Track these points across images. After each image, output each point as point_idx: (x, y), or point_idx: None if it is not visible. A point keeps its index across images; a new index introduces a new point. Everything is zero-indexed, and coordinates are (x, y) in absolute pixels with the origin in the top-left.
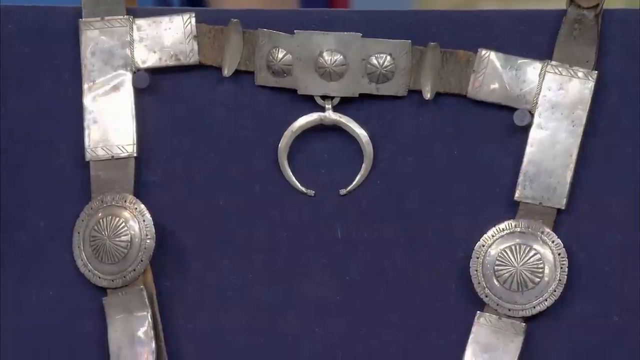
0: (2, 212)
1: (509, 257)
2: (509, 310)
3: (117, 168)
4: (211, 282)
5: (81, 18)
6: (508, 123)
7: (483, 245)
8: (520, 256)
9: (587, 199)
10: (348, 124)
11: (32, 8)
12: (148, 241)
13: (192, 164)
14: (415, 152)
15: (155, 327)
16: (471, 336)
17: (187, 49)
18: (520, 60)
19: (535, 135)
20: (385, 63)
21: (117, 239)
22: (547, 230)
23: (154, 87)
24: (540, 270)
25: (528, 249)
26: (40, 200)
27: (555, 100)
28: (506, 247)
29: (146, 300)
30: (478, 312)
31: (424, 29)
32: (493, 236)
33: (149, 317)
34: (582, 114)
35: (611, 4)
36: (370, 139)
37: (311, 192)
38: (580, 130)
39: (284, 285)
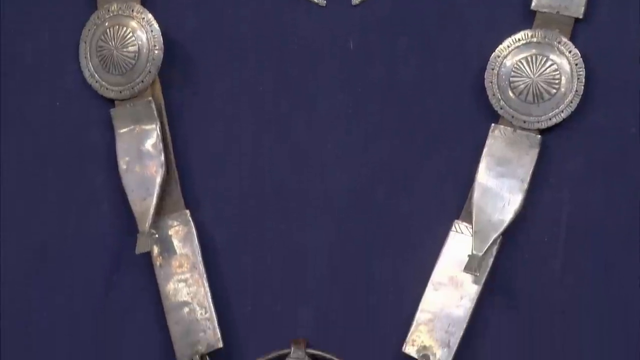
0: (5, 23)
1: (525, 68)
2: (524, 122)
3: None
4: (220, 94)
5: None
6: None
7: (498, 56)
8: (536, 67)
9: (605, 7)
10: None
11: None
12: (156, 52)
13: None
14: None
15: (164, 139)
16: (485, 149)
17: None
18: None
19: None
20: None
21: (125, 50)
22: (564, 40)
23: None
24: (557, 81)
25: (544, 59)
26: (44, 9)
27: None
28: (522, 58)
29: (155, 112)
30: (492, 124)
31: None
32: (508, 47)
33: (158, 130)
34: None
35: None
36: None
37: (322, 2)
38: None
39: (295, 97)
